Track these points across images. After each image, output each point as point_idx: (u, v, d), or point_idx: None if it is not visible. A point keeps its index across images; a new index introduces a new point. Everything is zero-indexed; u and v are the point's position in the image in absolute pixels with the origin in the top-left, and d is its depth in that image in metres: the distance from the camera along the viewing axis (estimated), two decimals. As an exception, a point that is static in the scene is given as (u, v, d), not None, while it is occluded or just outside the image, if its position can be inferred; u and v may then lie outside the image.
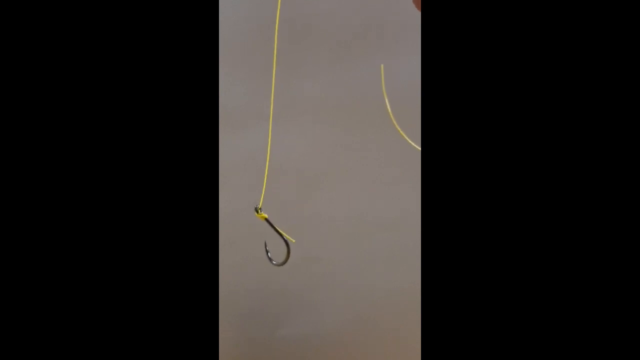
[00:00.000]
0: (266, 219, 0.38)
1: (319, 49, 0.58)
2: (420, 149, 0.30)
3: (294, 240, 0.39)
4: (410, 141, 0.38)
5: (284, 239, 0.39)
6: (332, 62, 0.58)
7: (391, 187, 0.61)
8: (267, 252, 0.42)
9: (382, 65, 0.41)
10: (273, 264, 0.41)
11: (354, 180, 0.61)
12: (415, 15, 0.33)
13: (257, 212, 0.38)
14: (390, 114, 0.39)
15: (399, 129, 0.39)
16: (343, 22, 0.57)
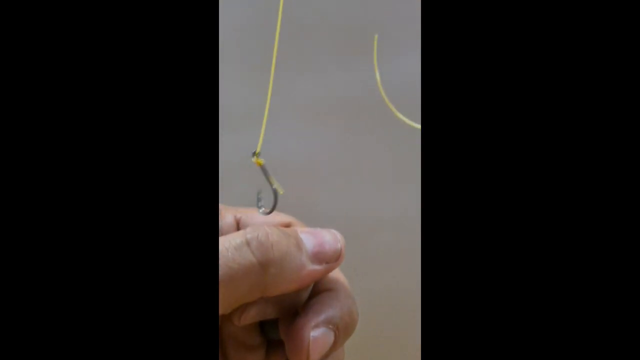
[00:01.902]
0: (262, 166, 0.38)
1: (319, 49, 0.58)
2: (419, 126, 0.30)
3: (282, 192, 0.39)
4: (406, 119, 0.38)
5: (273, 188, 0.39)
6: (332, 62, 0.58)
7: (391, 187, 0.61)
8: (258, 200, 0.42)
9: (375, 36, 0.41)
10: (260, 212, 0.41)
11: (354, 180, 0.61)
12: (416, 15, 0.33)
13: (255, 156, 0.38)
14: (383, 94, 0.39)
15: (394, 109, 0.39)
16: (343, 22, 0.57)
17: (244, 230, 0.34)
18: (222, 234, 0.42)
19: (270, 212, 0.40)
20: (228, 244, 0.33)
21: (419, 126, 0.31)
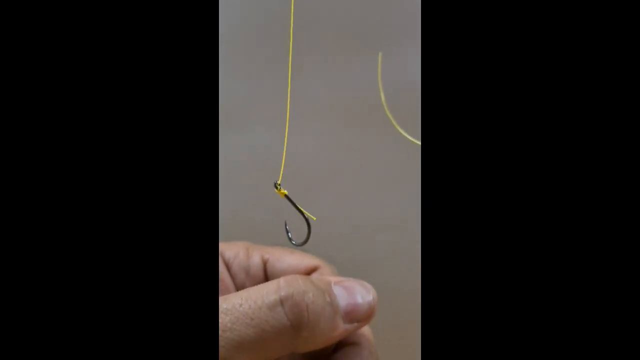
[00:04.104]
0: (286, 196, 0.37)
1: (318, 49, 0.58)
2: (419, 142, 0.29)
3: (315, 218, 0.37)
4: (403, 132, 0.37)
5: (304, 217, 0.37)
6: (332, 62, 0.58)
7: (391, 187, 0.61)
8: (287, 232, 0.40)
9: (380, 54, 0.40)
10: (293, 244, 0.39)
11: (354, 180, 0.61)
12: (416, 15, 0.33)
13: (277, 188, 0.37)
14: (385, 105, 0.39)
15: (393, 121, 0.38)
16: (343, 22, 0.57)
17: (277, 284, 0.33)
18: (249, 275, 0.41)
19: (304, 243, 0.38)
20: (261, 302, 0.32)
21: (419, 142, 0.30)
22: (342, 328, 0.34)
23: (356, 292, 0.35)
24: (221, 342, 0.30)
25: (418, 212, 0.30)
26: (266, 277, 0.41)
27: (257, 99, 0.58)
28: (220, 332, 0.30)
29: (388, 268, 0.61)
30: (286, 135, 0.38)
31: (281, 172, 0.37)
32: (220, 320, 0.31)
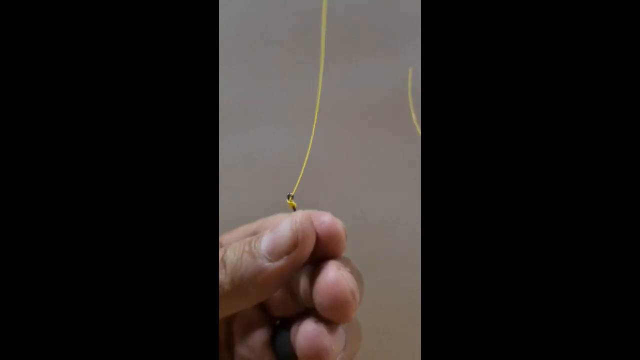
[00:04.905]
0: (294, 208, 0.37)
1: (319, 49, 0.58)
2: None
3: None
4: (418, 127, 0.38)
5: None
6: (333, 62, 0.58)
7: (391, 187, 0.61)
8: None
9: (410, 70, 0.41)
10: None
11: (354, 180, 0.61)
12: (417, 16, 0.33)
13: (289, 199, 0.37)
14: (414, 118, 0.39)
15: (417, 126, 0.39)
16: (344, 22, 0.57)
17: None
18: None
19: None
20: None
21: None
22: (270, 268, 0.32)
23: (279, 227, 0.33)
24: None
25: (418, 212, 0.30)
26: None
27: (257, 99, 0.58)
28: None
29: (388, 268, 0.61)
30: (310, 145, 0.39)
31: (296, 184, 0.37)
32: None
